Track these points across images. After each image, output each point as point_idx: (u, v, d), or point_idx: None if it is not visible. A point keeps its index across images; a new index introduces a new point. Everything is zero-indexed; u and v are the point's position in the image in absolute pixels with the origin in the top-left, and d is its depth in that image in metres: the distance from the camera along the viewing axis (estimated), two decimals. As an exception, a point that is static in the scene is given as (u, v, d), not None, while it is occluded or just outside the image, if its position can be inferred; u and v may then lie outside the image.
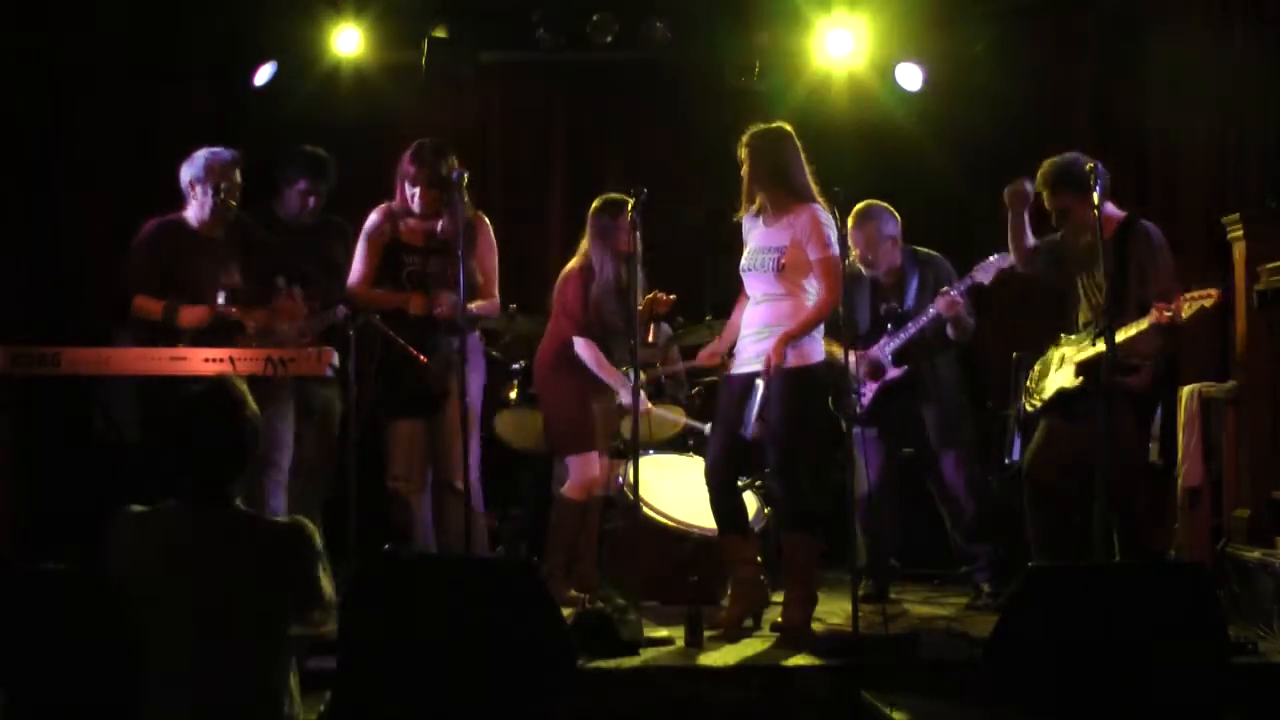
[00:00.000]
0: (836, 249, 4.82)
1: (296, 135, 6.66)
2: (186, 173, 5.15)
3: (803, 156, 4.98)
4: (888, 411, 5.47)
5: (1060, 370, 5.08)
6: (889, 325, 5.49)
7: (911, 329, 5.38)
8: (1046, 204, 5.10)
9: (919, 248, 5.62)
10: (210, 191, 5.10)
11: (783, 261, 4.86)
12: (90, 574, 2.96)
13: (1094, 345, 4.92)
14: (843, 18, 6.73)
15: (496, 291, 5.41)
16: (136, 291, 5.04)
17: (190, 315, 5.02)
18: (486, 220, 5.40)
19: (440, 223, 5.23)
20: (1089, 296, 5.09)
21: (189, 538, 3.02)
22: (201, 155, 5.16)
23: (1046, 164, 5.10)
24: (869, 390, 5.40)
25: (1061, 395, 5.07)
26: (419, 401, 5.21)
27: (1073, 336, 5.16)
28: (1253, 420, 5.43)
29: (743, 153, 4.99)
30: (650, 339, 5.61)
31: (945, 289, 5.37)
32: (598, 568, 5.56)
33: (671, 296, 5.52)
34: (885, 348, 5.42)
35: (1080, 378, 4.99)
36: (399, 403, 5.23)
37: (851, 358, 4.82)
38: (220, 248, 5.17)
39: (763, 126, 5.00)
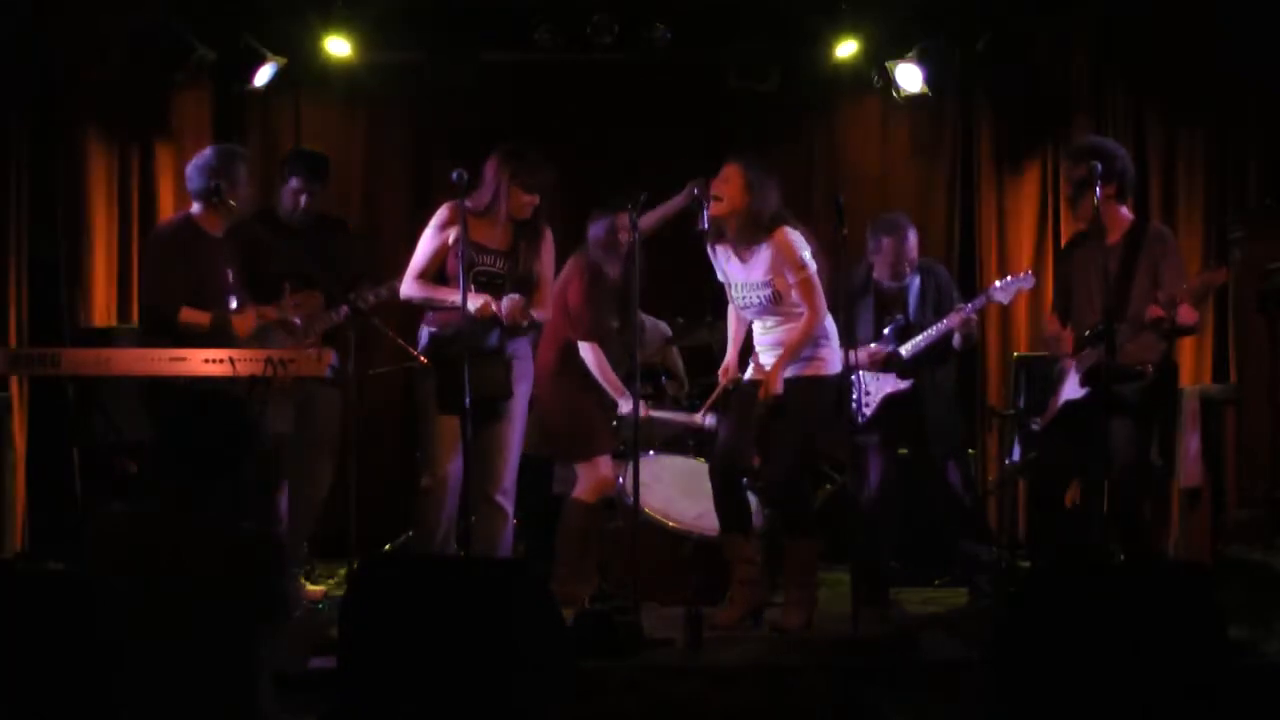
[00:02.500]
0: (813, 265, 4.87)
1: (295, 137, 6.68)
2: (196, 174, 5.11)
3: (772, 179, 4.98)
4: (889, 417, 5.47)
5: (1067, 382, 4.98)
6: (895, 337, 5.46)
7: (925, 339, 5.35)
8: (1075, 187, 4.85)
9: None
10: (221, 191, 5.07)
11: (775, 292, 4.92)
12: (69, 575, 2.97)
13: (1093, 350, 4.79)
14: (844, 19, 6.73)
15: (550, 300, 5.37)
16: (179, 304, 4.99)
17: (243, 324, 5.01)
18: (549, 230, 5.35)
19: (511, 226, 5.16)
20: (1094, 301, 4.88)
21: (163, 540, 3.02)
22: (209, 155, 5.14)
23: (1097, 141, 4.90)
24: (875, 392, 5.40)
25: (1069, 406, 4.93)
26: (458, 402, 5.11)
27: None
28: (1252, 420, 5.44)
29: (720, 177, 4.91)
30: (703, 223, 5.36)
31: (960, 306, 5.33)
32: (597, 568, 5.55)
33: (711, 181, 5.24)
34: (907, 346, 5.39)
35: (1085, 387, 4.88)
36: (450, 400, 5.12)
37: (854, 356, 4.84)
38: (224, 247, 5.16)
39: (743, 154, 4.98)
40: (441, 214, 5.20)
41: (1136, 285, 4.75)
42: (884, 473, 5.45)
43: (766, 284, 4.91)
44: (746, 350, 5.19)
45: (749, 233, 4.90)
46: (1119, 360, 4.66)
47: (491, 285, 5.10)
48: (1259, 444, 5.47)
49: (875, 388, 5.43)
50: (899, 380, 5.36)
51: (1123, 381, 4.71)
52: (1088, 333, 4.83)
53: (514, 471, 5.23)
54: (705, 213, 4.94)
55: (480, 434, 5.04)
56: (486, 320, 5.04)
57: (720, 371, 5.24)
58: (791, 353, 4.89)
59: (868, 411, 5.36)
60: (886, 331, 5.40)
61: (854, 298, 5.34)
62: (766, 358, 5.01)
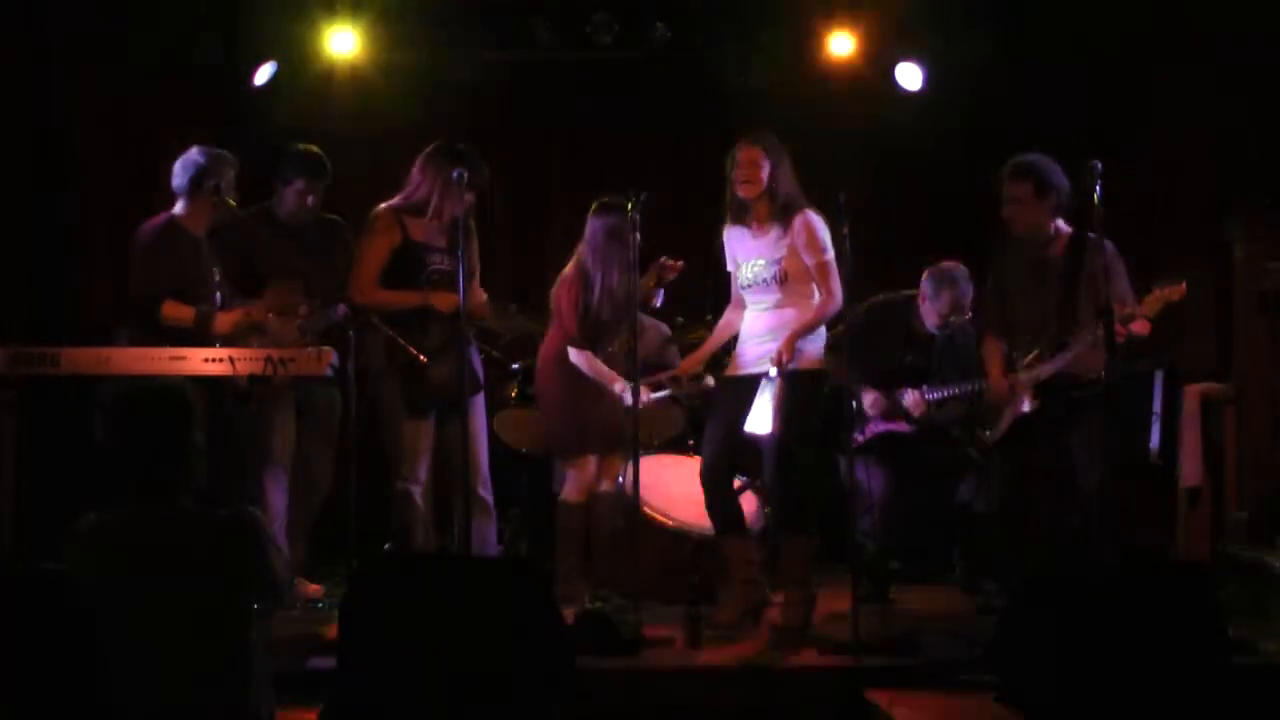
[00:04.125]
0: (832, 252, 4.85)
1: (295, 136, 6.67)
2: (181, 172, 5.14)
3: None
4: (889, 443, 5.49)
5: (1018, 399, 5.00)
6: (908, 380, 5.49)
7: (941, 393, 5.43)
8: (1012, 200, 4.98)
9: None
10: (206, 191, 5.10)
11: (784, 270, 4.89)
12: (66, 576, 2.97)
13: (1039, 363, 4.90)
14: (843, 17, 6.72)
15: (480, 290, 5.44)
16: (162, 297, 5.02)
17: (225, 322, 5.05)
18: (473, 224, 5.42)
19: (447, 223, 5.19)
20: (1044, 315, 4.96)
21: (139, 539, 3.04)
22: (196, 154, 5.16)
23: (1026, 160, 4.98)
24: (876, 427, 5.43)
25: (1020, 422, 4.98)
26: (432, 401, 5.17)
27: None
28: (1252, 420, 5.44)
29: (746, 159, 4.91)
30: (656, 302, 5.52)
31: (915, 391, 5.43)
32: (591, 568, 5.54)
33: (679, 262, 5.41)
34: (927, 395, 5.43)
35: (1038, 400, 4.92)
36: (413, 401, 5.19)
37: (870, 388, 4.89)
38: (207, 246, 5.18)
39: (761, 134, 4.96)
40: (380, 218, 5.22)
41: (1083, 298, 4.81)
42: (885, 484, 5.47)
43: (776, 261, 4.88)
44: (726, 352, 5.18)
45: (774, 212, 4.90)
46: (1071, 371, 4.81)
47: (444, 282, 5.12)
48: (1259, 444, 5.48)
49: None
50: (906, 422, 5.42)
51: (1077, 390, 4.81)
52: (1036, 350, 4.92)
53: (487, 463, 5.28)
54: (663, 293, 5.36)
55: (452, 432, 5.10)
56: (451, 317, 5.07)
57: (685, 360, 5.26)
58: (805, 328, 4.86)
59: (860, 438, 5.37)
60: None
61: (884, 327, 5.43)
62: (752, 345, 4.98)
